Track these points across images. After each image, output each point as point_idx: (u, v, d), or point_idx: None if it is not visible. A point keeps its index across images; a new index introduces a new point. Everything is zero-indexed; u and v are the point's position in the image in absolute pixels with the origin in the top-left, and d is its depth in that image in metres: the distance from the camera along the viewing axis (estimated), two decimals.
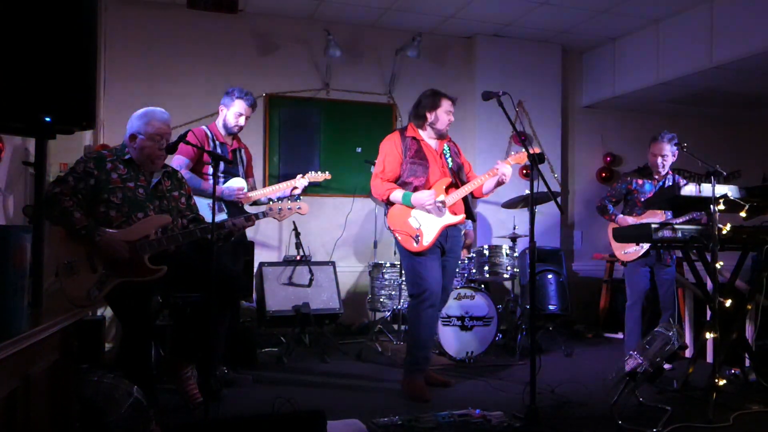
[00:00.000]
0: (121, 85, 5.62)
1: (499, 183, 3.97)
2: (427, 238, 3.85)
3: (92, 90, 2.41)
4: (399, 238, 3.93)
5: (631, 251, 4.43)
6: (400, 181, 3.98)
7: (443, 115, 3.99)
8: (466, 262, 5.25)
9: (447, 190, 3.96)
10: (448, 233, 3.96)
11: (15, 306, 1.75)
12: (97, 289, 3.09)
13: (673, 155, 4.52)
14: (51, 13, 2.26)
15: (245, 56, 6.08)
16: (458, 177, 4.06)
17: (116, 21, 5.66)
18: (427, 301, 3.85)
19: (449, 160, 4.05)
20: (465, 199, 4.02)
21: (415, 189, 3.92)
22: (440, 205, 3.85)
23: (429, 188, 3.92)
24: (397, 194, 3.90)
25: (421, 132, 4.05)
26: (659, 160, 4.51)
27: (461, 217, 3.97)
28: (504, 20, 6.27)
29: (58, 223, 3.06)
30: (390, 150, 3.99)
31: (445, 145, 4.09)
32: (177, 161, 3.94)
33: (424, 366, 3.93)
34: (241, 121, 4.14)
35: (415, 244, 3.86)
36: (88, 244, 3.06)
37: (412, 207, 3.87)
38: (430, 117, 4.00)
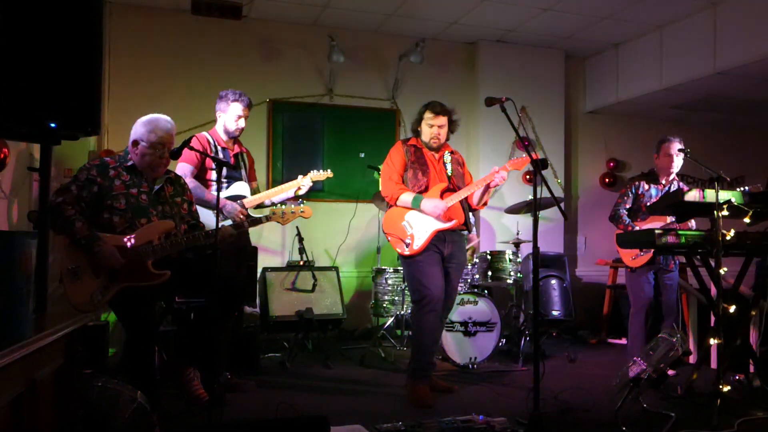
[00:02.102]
0: (126, 91, 5.65)
1: (487, 187, 3.97)
2: (417, 243, 3.87)
3: (97, 96, 2.43)
4: (391, 240, 3.97)
5: (640, 256, 4.40)
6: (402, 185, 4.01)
7: (425, 127, 4.00)
8: (469, 267, 5.25)
9: (442, 194, 3.98)
10: (446, 238, 3.96)
11: (20, 311, 1.75)
12: (101, 294, 3.11)
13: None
14: (56, 20, 2.28)
15: (249, 62, 6.10)
16: (456, 184, 4.05)
17: (121, 27, 5.69)
18: (428, 306, 3.84)
19: (448, 166, 4.07)
20: (464, 209, 4.04)
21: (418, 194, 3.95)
22: (440, 215, 3.85)
23: (427, 191, 3.95)
24: (407, 197, 3.92)
25: (421, 141, 4.09)
26: (675, 159, 4.49)
27: (454, 222, 3.94)
28: (507, 26, 6.28)
29: (61, 233, 3.09)
30: (394, 155, 4.06)
31: (447, 153, 4.11)
32: (181, 169, 3.94)
33: (428, 371, 3.92)
34: (241, 123, 4.14)
35: (405, 249, 3.89)
36: (89, 253, 3.08)
37: (420, 210, 3.88)
38: (420, 129, 4.04)
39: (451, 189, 4.01)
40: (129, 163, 3.32)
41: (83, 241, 3.06)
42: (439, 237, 3.91)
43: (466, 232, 4.14)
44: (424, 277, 3.85)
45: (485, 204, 4.15)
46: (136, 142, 3.32)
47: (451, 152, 4.15)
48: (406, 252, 3.88)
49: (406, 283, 5.04)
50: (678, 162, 4.52)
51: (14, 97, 2.22)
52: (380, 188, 4.10)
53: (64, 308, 3.01)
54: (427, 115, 3.99)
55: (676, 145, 4.48)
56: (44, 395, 1.92)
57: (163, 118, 3.37)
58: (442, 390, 4.05)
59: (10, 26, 2.20)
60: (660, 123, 7.31)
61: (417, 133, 4.09)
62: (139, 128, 3.33)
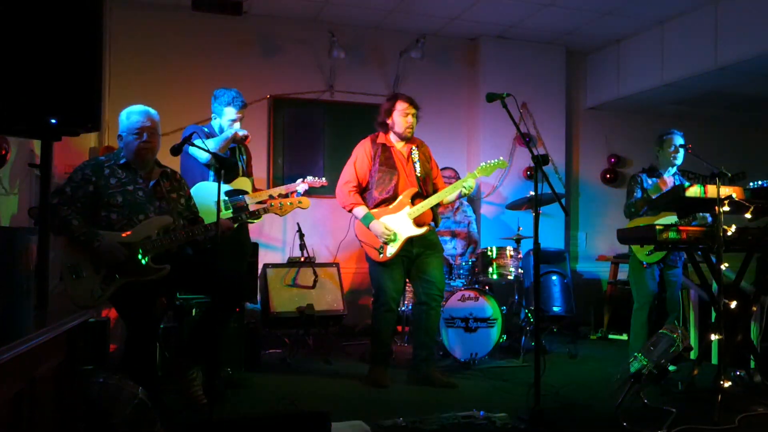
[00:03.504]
0: (126, 87, 5.64)
1: (461, 195, 4.14)
2: (391, 250, 4.05)
3: (97, 92, 2.42)
4: (365, 247, 4.15)
5: (654, 252, 4.37)
6: (368, 188, 4.15)
7: (399, 117, 4.11)
8: (470, 263, 5.25)
9: (413, 200, 4.10)
10: (413, 240, 4.10)
11: (21, 307, 1.75)
12: (101, 291, 3.11)
13: None
14: (57, 16, 2.27)
15: (249, 58, 6.09)
16: (425, 185, 4.18)
17: (121, 23, 5.68)
18: (384, 307, 4.12)
19: (417, 166, 4.16)
20: (431, 207, 4.16)
21: (383, 201, 4.09)
22: (391, 239, 4.02)
23: (396, 197, 4.09)
24: (359, 211, 4.11)
25: (389, 138, 4.19)
26: (681, 151, 4.49)
27: (425, 228, 4.11)
28: (508, 22, 6.27)
29: (59, 233, 3.10)
30: (360, 157, 4.18)
31: (414, 149, 4.19)
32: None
33: (385, 359, 4.20)
34: (236, 126, 4.13)
35: (379, 255, 4.06)
36: (88, 249, 3.09)
37: (368, 228, 4.07)
38: (389, 122, 4.15)
39: (420, 194, 4.13)
40: (122, 161, 3.34)
41: (82, 238, 3.07)
42: (408, 241, 4.07)
43: (432, 225, 4.26)
44: (384, 283, 4.10)
45: (454, 204, 4.29)
46: (120, 136, 3.36)
47: (418, 146, 4.24)
48: (380, 258, 4.07)
49: (407, 278, 5.04)
50: (680, 154, 4.51)
51: (15, 94, 2.22)
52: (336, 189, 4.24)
53: (65, 305, 3.01)
54: (403, 105, 4.12)
55: (678, 138, 4.49)
56: (45, 392, 1.92)
57: (140, 106, 3.39)
58: (443, 385, 4.07)
59: (10, 23, 2.20)
60: (661, 119, 7.29)
61: (385, 127, 4.18)
62: (120, 123, 3.36)
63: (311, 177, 4.50)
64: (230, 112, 4.08)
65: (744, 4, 5.42)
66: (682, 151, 4.49)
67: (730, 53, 5.54)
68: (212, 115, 4.16)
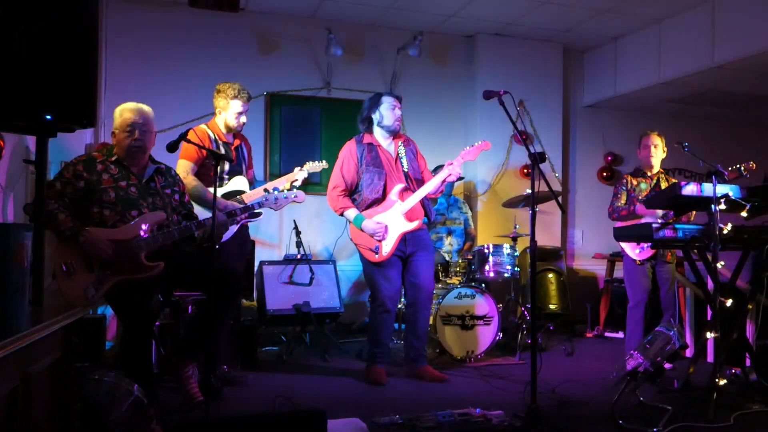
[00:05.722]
0: (122, 83, 5.62)
1: (444, 180, 4.16)
2: (386, 249, 4.07)
3: (93, 88, 2.41)
4: (360, 249, 4.16)
5: (645, 249, 4.40)
6: (357, 190, 4.17)
7: (387, 111, 4.17)
8: (465, 260, 5.25)
9: (402, 195, 4.13)
10: (405, 238, 4.12)
11: (16, 304, 1.75)
12: (95, 289, 3.09)
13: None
14: (52, 12, 2.26)
15: (246, 55, 6.08)
16: (414, 180, 4.20)
17: (117, 19, 5.66)
18: (381, 307, 4.14)
19: (404, 163, 4.19)
20: (422, 202, 4.18)
21: (374, 202, 4.12)
22: (385, 236, 4.06)
23: (386, 197, 4.12)
24: (350, 214, 4.13)
25: (375, 137, 4.20)
26: (652, 150, 4.58)
27: (417, 223, 4.13)
28: (505, 19, 6.27)
29: (46, 227, 3.07)
30: (345, 161, 4.19)
31: (401, 145, 4.23)
32: (182, 166, 3.89)
33: (382, 359, 4.20)
34: (243, 119, 4.10)
35: (375, 256, 4.09)
36: (76, 245, 3.07)
37: (360, 229, 4.09)
38: (376, 117, 4.20)
39: (408, 189, 4.15)
40: (113, 158, 3.33)
41: (68, 233, 3.05)
42: (401, 239, 4.10)
43: (425, 221, 4.28)
44: (380, 284, 4.12)
45: (442, 192, 4.33)
46: (113, 133, 3.36)
47: (404, 142, 4.27)
48: (376, 258, 4.09)
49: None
50: (657, 154, 4.56)
51: (10, 90, 2.20)
52: (327, 192, 4.28)
53: (60, 302, 3.00)
54: (389, 99, 4.20)
55: (654, 137, 4.58)
56: (40, 389, 1.91)
57: (132, 103, 3.38)
58: (435, 380, 4.11)
59: (5, 18, 2.18)
60: (658, 117, 7.31)
61: (368, 122, 4.21)
62: (114, 120, 3.36)
63: (310, 162, 4.46)
64: (236, 105, 4.04)
65: (741, 3, 5.42)
66: (658, 150, 4.55)
67: (727, 51, 5.55)
68: (216, 110, 4.11)
